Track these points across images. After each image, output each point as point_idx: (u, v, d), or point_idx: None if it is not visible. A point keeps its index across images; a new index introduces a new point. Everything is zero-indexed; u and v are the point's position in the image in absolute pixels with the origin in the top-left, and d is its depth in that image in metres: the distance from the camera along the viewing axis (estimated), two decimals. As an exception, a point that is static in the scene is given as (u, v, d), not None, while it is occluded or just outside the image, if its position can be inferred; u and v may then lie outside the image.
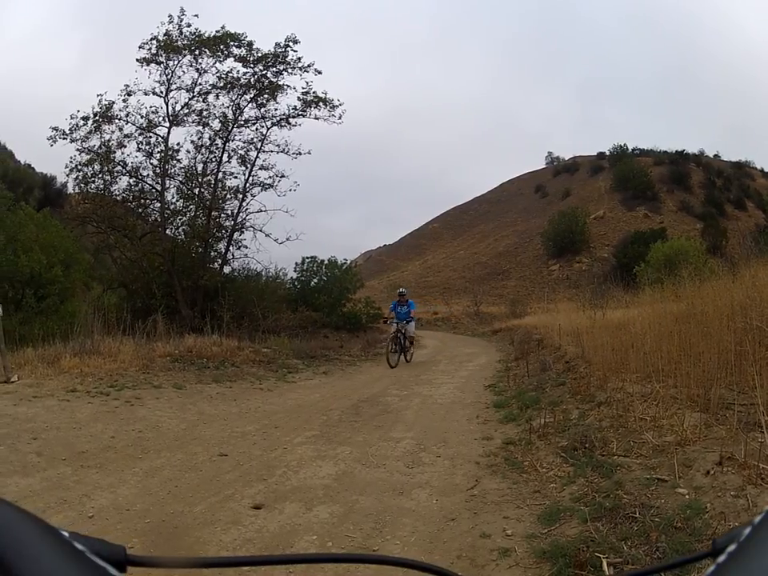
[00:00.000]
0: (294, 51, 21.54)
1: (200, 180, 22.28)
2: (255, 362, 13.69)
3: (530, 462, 5.66)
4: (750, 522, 0.65)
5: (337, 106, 22.24)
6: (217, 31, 21.13)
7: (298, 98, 22.08)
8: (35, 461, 5.80)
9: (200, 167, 22.40)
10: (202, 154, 22.28)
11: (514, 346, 17.97)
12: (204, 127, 22.08)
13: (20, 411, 7.50)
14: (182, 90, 21.49)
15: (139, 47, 20.94)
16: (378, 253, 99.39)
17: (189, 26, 20.98)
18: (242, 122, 22.29)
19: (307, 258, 27.69)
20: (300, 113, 22.23)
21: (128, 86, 21.05)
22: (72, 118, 20.73)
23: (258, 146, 22.44)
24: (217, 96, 21.85)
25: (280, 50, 21.51)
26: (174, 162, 22.00)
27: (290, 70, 21.71)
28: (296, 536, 4.23)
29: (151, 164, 21.82)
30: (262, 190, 22.36)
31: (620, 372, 7.82)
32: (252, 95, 21.96)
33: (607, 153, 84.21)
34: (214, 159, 22.36)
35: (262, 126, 22.46)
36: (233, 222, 22.24)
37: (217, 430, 7.62)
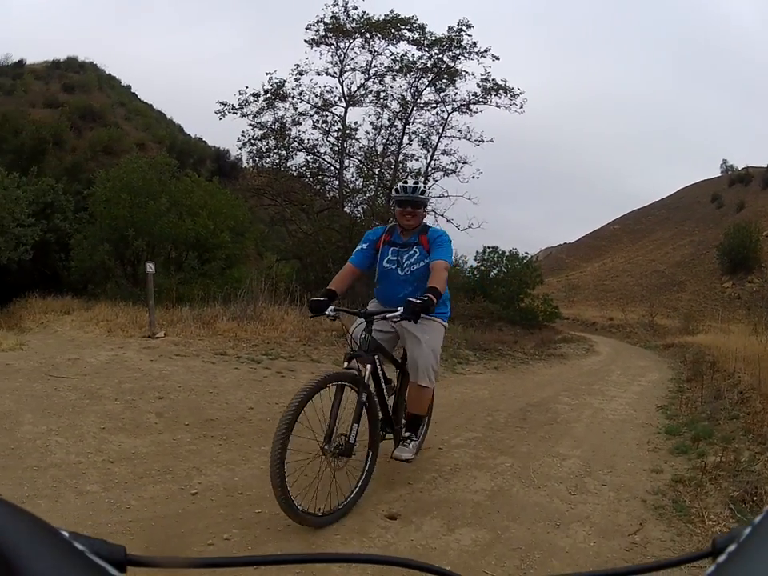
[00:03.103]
0: (469, 36, 21.21)
1: (380, 160, 22.42)
2: (425, 346, 12.93)
3: (697, 509, 4.72)
4: (750, 522, 0.63)
5: (517, 95, 21.76)
6: (386, 15, 21.16)
7: (478, 84, 21.71)
8: (152, 421, 5.45)
9: (380, 148, 22.57)
10: (382, 135, 22.45)
11: (685, 365, 16.32)
12: (383, 108, 22.26)
13: (155, 367, 7.27)
14: (357, 72, 21.87)
15: (306, 29, 21.57)
16: (559, 250, 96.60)
17: (355, 8, 21.27)
18: (422, 105, 22.19)
19: (488, 247, 27.17)
20: (481, 99, 21.84)
21: (299, 65, 21.77)
22: (241, 94, 21.82)
23: (440, 131, 22.29)
24: (393, 78, 21.94)
25: (454, 34, 21.19)
26: (353, 141, 22.32)
27: (466, 55, 21.36)
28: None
29: (328, 142, 22.30)
30: (444, 174, 22.28)
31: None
32: (430, 79, 21.79)
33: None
34: (394, 141, 22.46)
35: (443, 111, 22.26)
36: (414, 205, 21.79)
37: (370, 418, 6.95)
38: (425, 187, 4.86)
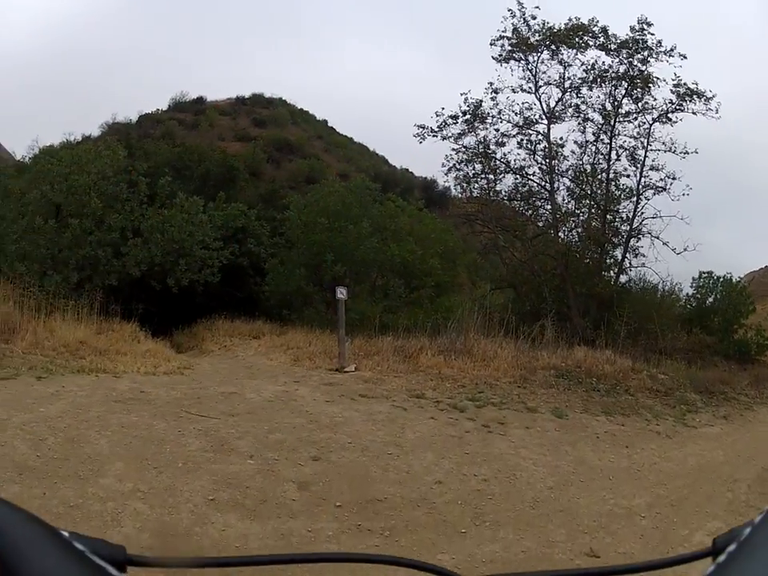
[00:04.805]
0: (652, 34, 19.66)
1: (590, 179, 21.20)
2: (651, 390, 11.42)
3: None
4: (750, 522, 0.64)
5: (710, 98, 19.58)
6: (565, 24, 20.14)
7: (671, 90, 19.89)
8: (288, 496, 4.25)
9: (588, 167, 21.31)
10: (588, 154, 21.16)
11: None
12: (584, 122, 20.99)
13: (327, 411, 6.23)
14: (551, 85, 20.78)
15: (490, 44, 20.72)
16: (762, 274, 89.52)
17: (533, 18, 20.31)
18: (623, 116, 20.75)
19: (704, 272, 24.47)
20: (677, 107, 19.98)
21: (492, 83, 20.84)
22: (438, 116, 20.91)
23: (645, 144, 20.60)
24: (590, 88, 20.73)
25: (637, 35, 19.74)
26: (560, 159, 21.29)
27: (654, 56, 19.74)
28: None
29: (535, 161, 21.35)
30: (654, 193, 20.37)
31: None
32: (625, 87, 20.41)
33: None
34: (602, 158, 21.12)
35: (644, 122, 20.58)
36: (629, 227, 20.61)
37: (595, 497, 5.65)
38: None
